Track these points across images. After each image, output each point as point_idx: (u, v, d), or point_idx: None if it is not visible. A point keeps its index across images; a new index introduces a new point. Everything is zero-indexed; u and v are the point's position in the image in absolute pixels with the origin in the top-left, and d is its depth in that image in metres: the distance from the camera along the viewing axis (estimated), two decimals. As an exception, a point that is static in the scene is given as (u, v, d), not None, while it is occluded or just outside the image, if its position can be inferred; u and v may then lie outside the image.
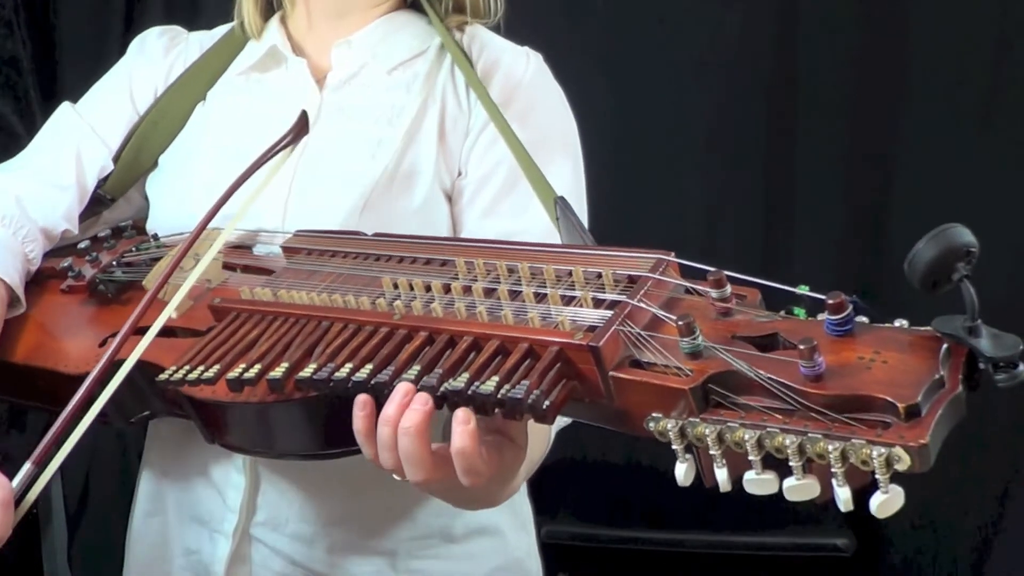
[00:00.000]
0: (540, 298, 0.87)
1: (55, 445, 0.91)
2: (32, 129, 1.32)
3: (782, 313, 0.80)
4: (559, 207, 1.06)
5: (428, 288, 0.92)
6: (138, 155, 1.25)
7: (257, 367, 0.90)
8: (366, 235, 1.06)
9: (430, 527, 1.20)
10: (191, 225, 1.06)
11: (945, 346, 0.73)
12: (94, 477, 2.24)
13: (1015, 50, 2.10)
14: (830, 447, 0.68)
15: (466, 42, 1.23)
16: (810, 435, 0.69)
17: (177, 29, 1.33)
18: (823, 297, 0.76)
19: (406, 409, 0.82)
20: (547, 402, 0.78)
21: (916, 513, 2.16)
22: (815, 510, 2.19)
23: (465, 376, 0.81)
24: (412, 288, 0.92)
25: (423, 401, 0.82)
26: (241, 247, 1.15)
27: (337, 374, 0.85)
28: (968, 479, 2.09)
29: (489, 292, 0.90)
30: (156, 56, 1.30)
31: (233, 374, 0.90)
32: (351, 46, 1.22)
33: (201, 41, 1.31)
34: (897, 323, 0.76)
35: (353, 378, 0.85)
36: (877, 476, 0.67)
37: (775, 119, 2.21)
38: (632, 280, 0.86)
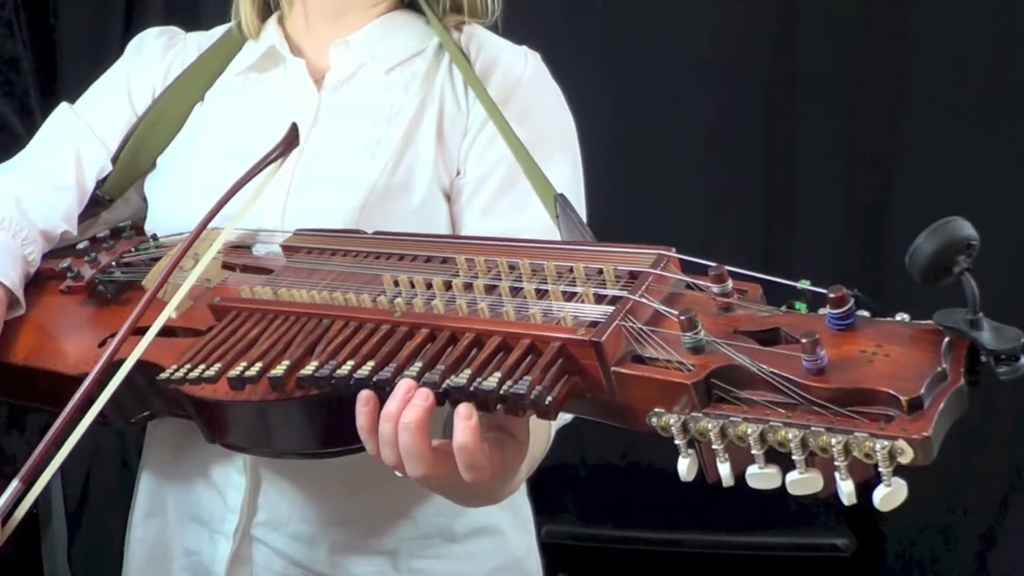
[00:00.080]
0: (541, 294, 0.86)
1: (54, 445, 0.91)
2: (32, 129, 1.31)
3: (783, 308, 0.79)
4: (559, 204, 1.06)
5: (429, 285, 0.92)
6: (136, 156, 1.25)
7: (258, 365, 0.90)
8: (366, 233, 1.06)
9: (431, 527, 1.20)
10: (189, 226, 1.06)
11: (947, 339, 0.72)
12: (94, 477, 2.24)
13: (1015, 50, 2.10)
14: (833, 440, 0.68)
15: (464, 42, 1.23)
16: (813, 429, 0.69)
17: (175, 30, 1.33)
18: (824, 292, 0.76)
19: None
20: (549, 398, 0.78)
21: (916, 513, 2.15)
22: (815, 510, 2.19)
23: (467, 372, 0.81)
24: (413, 285, 0.92)
25: (424, 397, 0.82)
26: (240, 247, 1.15)
27: (339, 372, 0.85)
28: (968, 479, 2.09)
29: (490, 289, 0.89)
30: (154, 56, 1.30)
31: (234, 372, 0.90)
32: (349, 46, 1.22)
33: (199, 42, 1.31)
34: (899, 317, 0.76)
35: (355, 375, 0.85)
36: (880, 469, 0.67)
37: (775, 119, 2.21)
38: (633, 276, 0.86)
